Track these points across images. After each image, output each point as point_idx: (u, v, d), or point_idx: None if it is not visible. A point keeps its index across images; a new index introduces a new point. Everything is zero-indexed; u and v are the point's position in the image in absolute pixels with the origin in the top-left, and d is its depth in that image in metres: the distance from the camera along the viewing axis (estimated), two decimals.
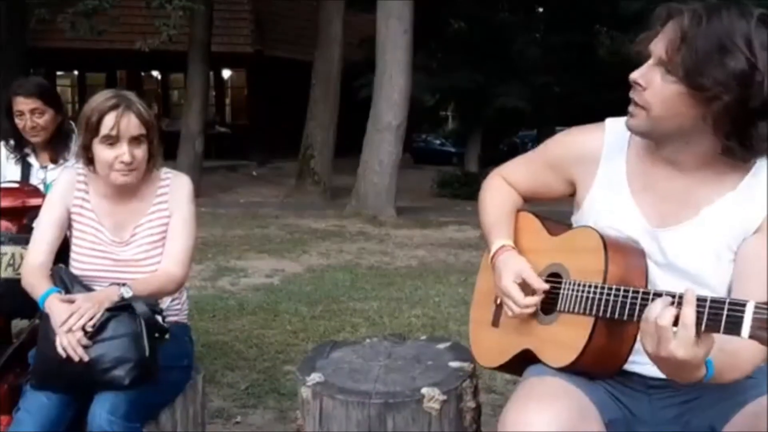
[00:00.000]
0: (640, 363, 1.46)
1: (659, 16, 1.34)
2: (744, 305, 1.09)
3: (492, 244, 1.65)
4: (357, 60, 14.12)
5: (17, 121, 2.74)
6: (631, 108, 1.40)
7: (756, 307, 1.08)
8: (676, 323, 1.16)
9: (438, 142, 26.35)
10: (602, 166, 1.53)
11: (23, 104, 2.73)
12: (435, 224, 9.75)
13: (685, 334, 1.14)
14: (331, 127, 12.60)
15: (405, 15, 10.09)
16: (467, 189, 12.54)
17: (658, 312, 1.17)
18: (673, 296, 1.19)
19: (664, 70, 1.32)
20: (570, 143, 1.62)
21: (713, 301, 1.14)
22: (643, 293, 1.29)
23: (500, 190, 1.74)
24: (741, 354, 1.28)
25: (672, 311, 1.16)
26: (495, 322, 1.71)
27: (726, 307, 1.11)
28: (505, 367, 1.68)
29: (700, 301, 1.15)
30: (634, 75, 1.36)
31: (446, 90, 16.30)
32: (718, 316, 1.12)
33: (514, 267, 1.56)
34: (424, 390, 1.78)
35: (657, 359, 1.20)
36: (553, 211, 1.73)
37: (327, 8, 12.51)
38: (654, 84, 1.34)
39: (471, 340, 1.81)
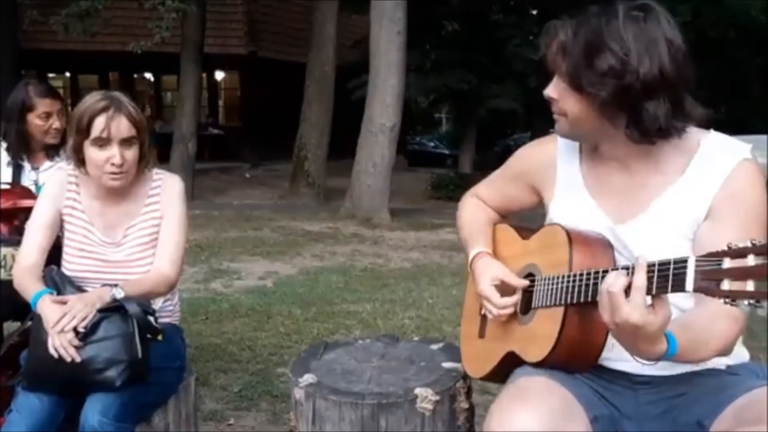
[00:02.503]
0: (625, 360, 1.47)
1: (547, 33, 1.46)
2: (686, 261, 1.14)
3: (469, 253, 1.72)
4: (351, 61, 14.13)
5: (40, 123, 2.73)
6: (554, 116, 1.51)
7: (696, 260, 1.13)
8: (630, 293, 1.21)
9: (432, 144, 26.37)
10: (560, 171, 1.61)
11: (51, 106, 2.74)
12: (429, 226, 9.76)
13: (637, 298, 1.19)
14: (324, 129, 12.60)
15: (398, 16, 10.10)
16: (461, 191, 12.22)
17: (611, 281, 1.23)
18: (627, 268, 1.24)
19: (562, 80, 1.44)
20: (528, 155, 1.73)
21: (661, 263, 1.19)
22: (603, 271, 1.33)
23: (474, 207, 1.85)
24: (708, 331, 1.32)
25: (623, 279, 1.22)
26: (481, 333, 1.74)
27: (671, 266, 1.16)
28: (493, 375, 1.69)
29: (650, 266, 1.20)
30: (547, 90, 1.49)
31: (440, 91, 16.31)
32: (665, 276, 1.17)
33: (490, 271, 1.63)
34: (417, 390, 1.78)
35: (614, 327, 1.25)
36: (536, 217, 1.75)
37: (320, 9, 12.52)
38: (561, 94, 1.46)
39: (462, 354, 1.84)
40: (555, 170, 1.61)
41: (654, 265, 1.19)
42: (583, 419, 1.41)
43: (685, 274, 1.13)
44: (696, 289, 1.12)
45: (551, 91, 1.47)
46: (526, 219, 1.80)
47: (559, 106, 1.47)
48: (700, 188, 1.41)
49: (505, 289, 1.60)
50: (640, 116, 1.36)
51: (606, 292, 1.23)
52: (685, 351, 1.27)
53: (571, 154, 1.59)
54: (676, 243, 1.42)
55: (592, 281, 1.35)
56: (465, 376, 1.89)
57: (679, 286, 1.15)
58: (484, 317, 1.71)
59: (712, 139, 1.44)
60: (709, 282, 1.10)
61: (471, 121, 17.23)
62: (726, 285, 1.08)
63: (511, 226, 1.76)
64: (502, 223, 1.79)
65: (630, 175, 1.48)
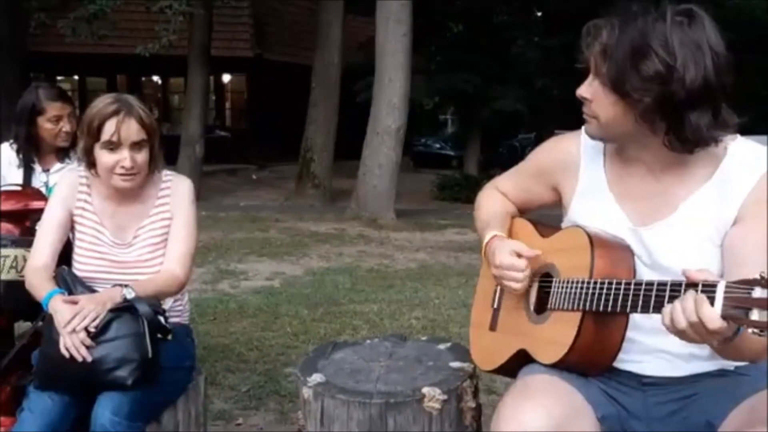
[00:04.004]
0: (634, 361, 1.48)
1: (588, 33, 1.42)
2: (715, 285, 1.13)
3: (484, 238, 1.69)
4: (357, 63, 14.15)
5: (50, 126, 2.76)
6: (585, 116, 1.48)
7: (726, 286, 1.11)
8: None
9: (437, 145, 26.31)
10: (582, 170, 1.58)
11: (62, 109, 2.77)
12: (435, 227, 9.76)
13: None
14: (330, 131, 12.62)
15: (404, 18, 10.11)
16: (467, 192, 12.55)
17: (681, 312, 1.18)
18: (664, 285, 1.23)
19: (599, 82, 1.40)
20: (550, 152, 1.69)
21: (688, 285, 1.18)
22: (626, 283, 1.33)
23: (493, 198, 1.82)
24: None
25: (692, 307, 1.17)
26: (492, 326, 1.74)
27: (699, 288, 1.15)
28: (502, 370, 1.70)
29: (675, 285, 1.20)
30: (580, 90, 1.45)
31: (445, 93, 16.31)
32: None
33: (508, 245, 1.60)
34: (424, 390, 1.79)
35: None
36: (550, 216, 1.76)
37: (326, 11, 12.54)
38: (597, 96, 1.42)
39: (470, 344, 1.84)
40: (577, 169, 1.59)
41: (680, 285, 1.18)
42: (591, 418, 1.42)
43: (713, 299, 1.12)
44: (723, 316, 1.11)
45: (585, 91, 1.44)
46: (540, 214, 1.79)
47: (592, 107, 1.44)
48: (728, 194, 1.40)
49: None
50: (681, 125, 1.34)
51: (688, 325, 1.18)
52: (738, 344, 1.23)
53: (595, 154, 1.57)
54: (702, 248, 1.41)
55: (613, 291, 1.35)
56: (472, 376, 1.90)
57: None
58: (495, 310, 1.70)
59: (739, 145, 1.43)
60: (738, 310, 1.09)
61: (476, 122, 17.22)
62: (755, 315, 1.07)
63: (529, 221, 1.74)
64: (520, 218, 1.77)
65: (656, 179, 1.47)
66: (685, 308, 1.17)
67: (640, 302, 1.29)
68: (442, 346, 2.13)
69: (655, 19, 1.33)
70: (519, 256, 1.56)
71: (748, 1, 13.46)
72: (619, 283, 1.34)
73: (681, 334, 1.20)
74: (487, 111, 16.27)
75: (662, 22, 1.32)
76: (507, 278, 1.58)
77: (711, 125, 1.34)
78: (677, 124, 1.34)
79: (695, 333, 1.18)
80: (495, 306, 1.72)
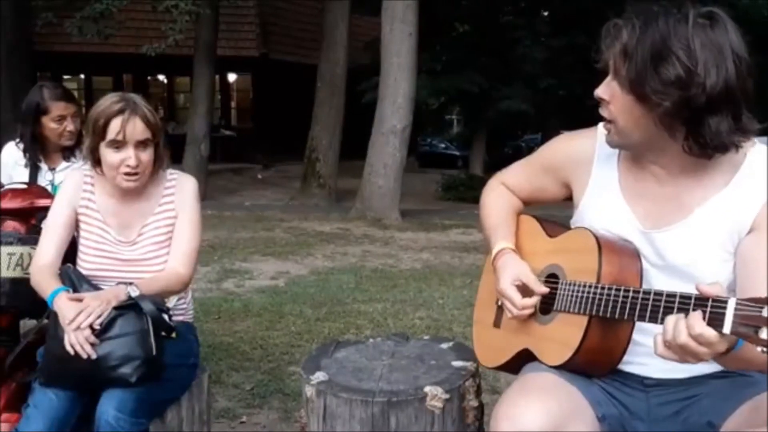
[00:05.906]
0: (637, 363, 1.49)
1: (608, 32, 1.39)
2: (725, 301, 1.12)
3: (492, 246, 1.68)
4: (362, 63, 14.16)
5: (54, 125, 2.78)
6: (604, 124, 1.46)
7: (737, 304, 1.11)
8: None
9: (443, 145, 26.33)
10: (595, 169, 1.57)
11: (66, 109, 2.79)
12: (440, 227, 9.76)
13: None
14: (336, 130, 12.63)
15: (410, 18, 10.12)
16: (472, 192, 12.54)
17: (673, 330, 1.18)
18: (672, 300, 1.22)
19: (617, 83, 1.38)
20: (564, 147, 1.67)
21: (697, 298, 1.17)
22: (634, 291, 1.32)
23: (500, 194, 1.79)
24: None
25: (683, 325, 1.17)
26: (496, 323, 1.74)
27: (710, 303, 1.15)
28: (505, 367, 1.71)
29: (685, 298, 1.19)
30: (598, 91, 1.43)
31: (450, 93, 16.31)
32: (703, 312, 1.15)
33: (513, 270, 1.60)
34: (427, 389, 1.79)
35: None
36: (557, 214, 1.75)
37: (332, 11, 12.55)
38: (615, 97, 1.40)
39: (474, 341, 1.84)
40: (590, 167, 1.56)
41: (690, 298, 1.18)
42: (590, 417, 1.42)
43: (723, 314, 1.11)
44: (733, 333, 1.10)
45: (603, 92, 1.41)
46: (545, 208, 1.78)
47: (609, 109, 1.41)
48: (744, 201, 1.38)
49: (525, 288, 1.58)
50: (701, 130, 1.31)
51: (676, 343, 1.18)
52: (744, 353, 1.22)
53: (609, 154, 1.54)
54: (714, 252, 1.40)
55: (621, 299, 1.34)
56: (475, 375, 1.90)
57: (716, 326, 1.13)
58: (500, 307, 1.70)
59: (759, 152, 1.41)
60: (748, 328, 1.08)
61: (481, 122, 17.22)
62: (764, 333, 1.06)
63: (536, 219, 1.73)
64: (527, 215, 1.76)
65: (671, 183, 1.44)
66: (682, 327, 1.17)
67: (648, 312, 1.28)
68: (444, 345, 2.14)
69: (678, 21, 1.30)
70: (522, 284, 1.56)
71: (755, 0, 13.42)
72: (627, 290, 1.33)
73: (679, 350, 1.19)
74: (492, 111, 16.26)
75: (684, 24, 1.29)
76: (505, 305, 1.60)
77: (731, 130, 1.31)
78: (697, 128, 1.32)
79: (692, 348, 1.17)
80: (499, 303, 1.71)
